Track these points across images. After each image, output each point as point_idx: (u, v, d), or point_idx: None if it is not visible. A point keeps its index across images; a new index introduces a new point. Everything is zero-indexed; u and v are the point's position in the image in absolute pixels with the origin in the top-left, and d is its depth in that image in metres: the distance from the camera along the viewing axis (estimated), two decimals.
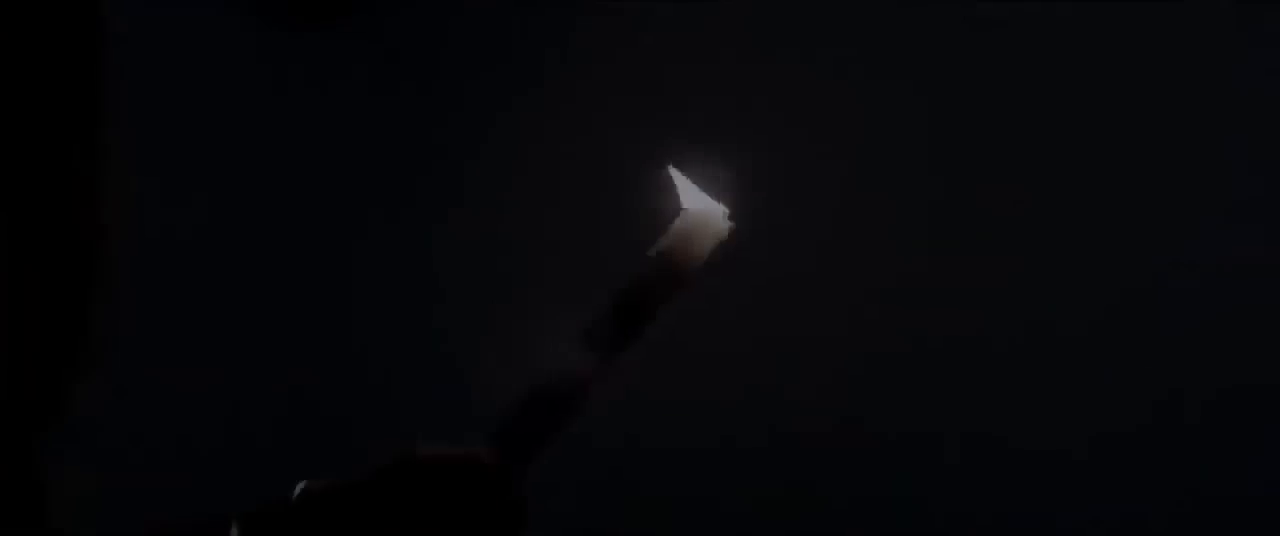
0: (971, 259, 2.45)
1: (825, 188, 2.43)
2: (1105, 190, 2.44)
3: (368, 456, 1.17)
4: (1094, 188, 2.44)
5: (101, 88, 1.01)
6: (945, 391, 2.44)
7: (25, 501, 1.04)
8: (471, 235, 2.49)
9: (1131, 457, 2.43)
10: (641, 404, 2.28)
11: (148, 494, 2.04)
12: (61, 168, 0.99)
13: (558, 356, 1.14)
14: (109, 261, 1.02)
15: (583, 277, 2.36)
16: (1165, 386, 2.42)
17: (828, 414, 2.45)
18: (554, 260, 2.43)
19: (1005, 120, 2.45)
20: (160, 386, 2.43)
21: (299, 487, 1.17)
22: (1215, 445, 2.42)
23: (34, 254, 0.99)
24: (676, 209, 1.16)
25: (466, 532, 1.13)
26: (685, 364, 2.38)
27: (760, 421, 2.45)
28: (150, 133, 2.39)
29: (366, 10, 2.49)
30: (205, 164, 2.50)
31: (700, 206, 1.16)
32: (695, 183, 1.17)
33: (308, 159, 2.51)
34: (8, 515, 1.02)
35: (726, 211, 1.17)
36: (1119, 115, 2.45)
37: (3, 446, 1.01)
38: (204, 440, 2.48)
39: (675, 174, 1.17)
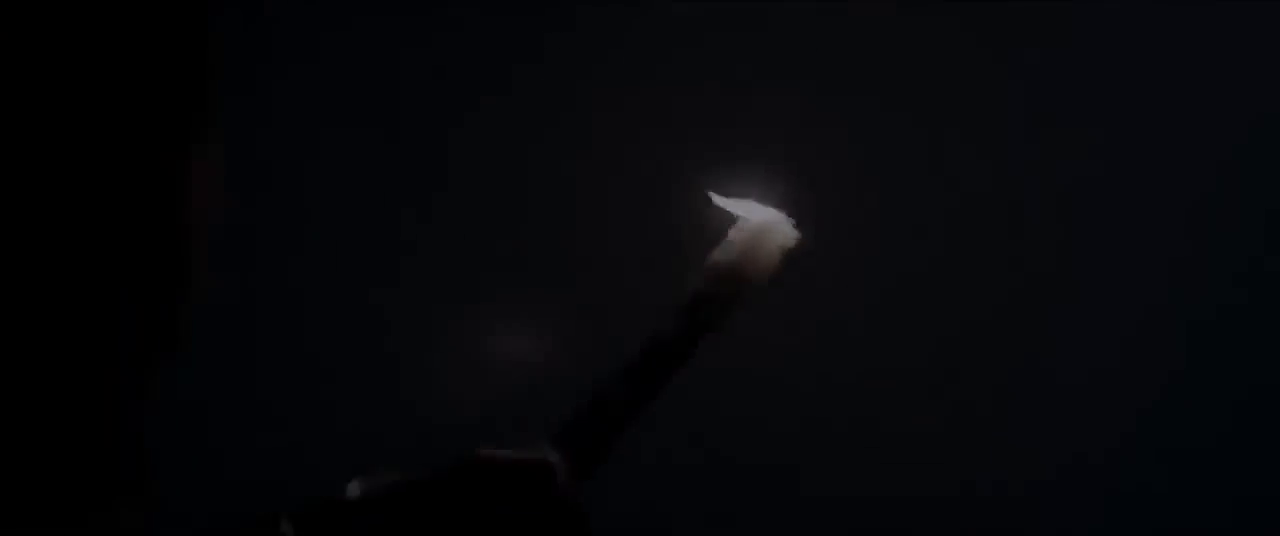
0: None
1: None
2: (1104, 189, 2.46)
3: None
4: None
5: (206, 83, 1.02)
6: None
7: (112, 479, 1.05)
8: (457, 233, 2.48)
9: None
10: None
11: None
12: (168, 161, 1.01)
13: (622, 365, 1.14)
14: (200, 253, 1.03)
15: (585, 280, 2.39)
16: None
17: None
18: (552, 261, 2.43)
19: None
20: None
21: (354, 486, 1.16)
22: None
23: (136, 243, 1.00)
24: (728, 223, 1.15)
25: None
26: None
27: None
28: None
29: None
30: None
31: (761, 216, 1.15)
32: (739, 196, 1.15)
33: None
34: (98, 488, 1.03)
35: (788, 219, 1.16)
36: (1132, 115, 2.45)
37: (92, 425, 1.02)
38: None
39: (720, 196, 1.16)
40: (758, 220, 1.15)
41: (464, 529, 1.11)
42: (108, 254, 1.00)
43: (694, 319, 1.14)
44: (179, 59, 1.00)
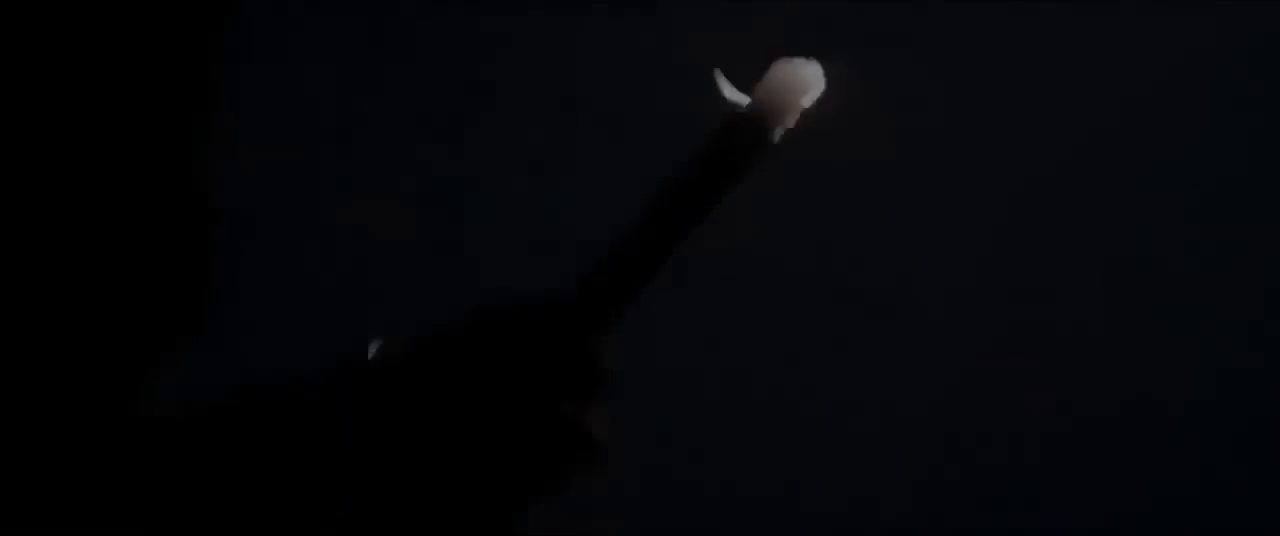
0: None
1: None
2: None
3: None
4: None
5: (222, 74, 1.03)
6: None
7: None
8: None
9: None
10: None
11: None
12: (185, 149, 1.02)
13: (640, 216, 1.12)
14: (216, 239, 1.04)
15: None
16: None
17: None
18: None
19: None
20: None
21: (374, 345, 1.13)
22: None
23: (155, 229, 1.02)
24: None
25: (550, 384, 1.09)
26: None
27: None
28: None
29: None
30: None
31: (791, 63, 1.14)
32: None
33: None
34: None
35: (820, 70, 1.14)
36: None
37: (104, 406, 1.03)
38: None
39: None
40: (781, 70, 1.14)
41: (482, 380, 1.09)
42: (124, 240, 1.01)
43: (711, 162, 1.12)
44: (187, 43, 1.01)
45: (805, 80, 1.13)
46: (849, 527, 2.42)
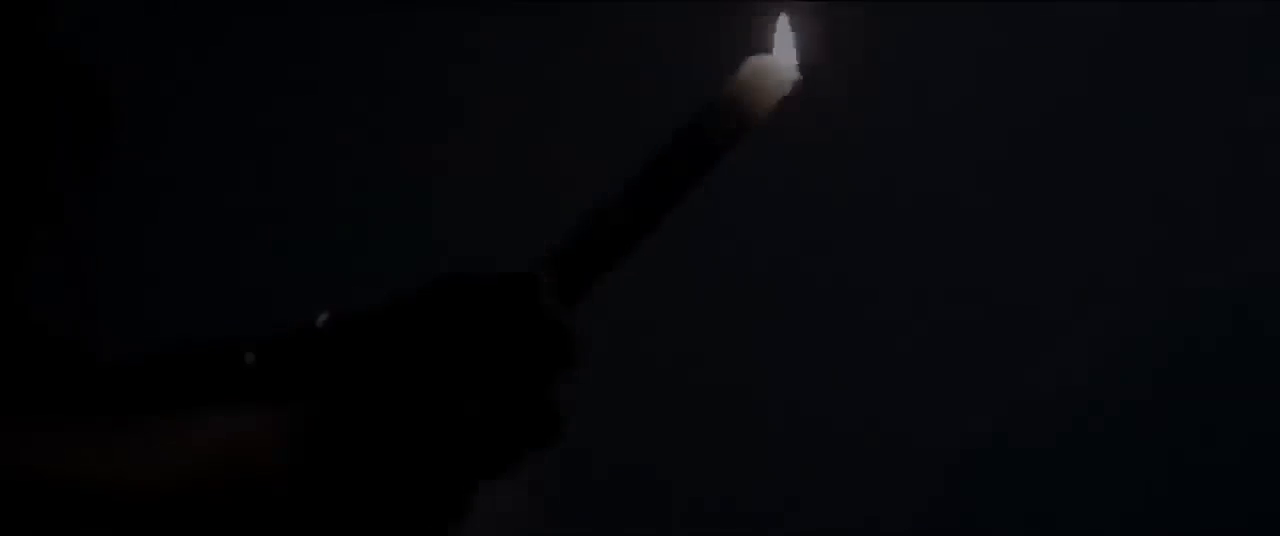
0: None
1: None
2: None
3: None
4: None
5: None
6: None
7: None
8: None
9: None
10: None
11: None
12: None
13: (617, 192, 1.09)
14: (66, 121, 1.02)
15: None
16: None
17: None
18: None
19: None
20: None
21: (323, 316, 1.09)
22: None
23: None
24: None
25: (513, 360, 1.05)
26: None
27: None
28: None
29: None
30: None
31: (770, 56, 1.13)
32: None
33: None
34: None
35: (795, 62, 1.13)
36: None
37: None
38: None
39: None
40: (761, 58, 1.13)
41: (442, 351, 1.05)
42: None
43: (692, 143, 1.11)
44: None
45: (787, 67, 1.13)
46: None
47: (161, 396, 1.07)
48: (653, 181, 1.10)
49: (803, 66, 1.12)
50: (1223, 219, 2.44)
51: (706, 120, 1.11)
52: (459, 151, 2.42)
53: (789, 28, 1.12)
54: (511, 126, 2.44)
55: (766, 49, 1.12)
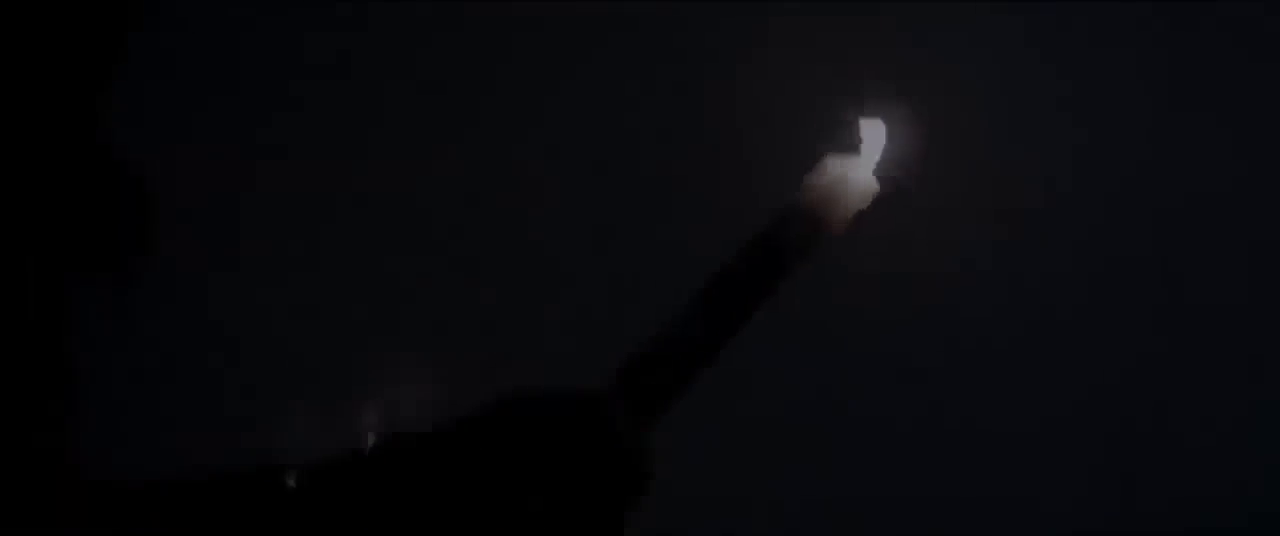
0: None
1: None
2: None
3: None
4: None
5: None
6: None
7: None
8: None
9: None
10: None
11: None
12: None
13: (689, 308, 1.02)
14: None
15: None
16: None
17: None
18: None
19: None
20: None
21: (371, 437, 1.02)
22: None
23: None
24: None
25: (581, 489, 0.98)
26: None
27: None
28: None
29: None
30: None
31: (845, 162, 1.06)
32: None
33: None
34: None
35: (876, 166, 1.06)
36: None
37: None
38: None
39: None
40: (839, 166, 1.06)
41: (504, 478, 0.97)
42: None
43: (764, 256, 1.04)
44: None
45: (859, 181, 1.06)
46: None
47: (199, 525, 1.00)
48: (727, 293, 1.03)
49: (892, 176, 1.05)
50: None
51: (782, 228, 1.04)
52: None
53: (881, 133, 1.05)
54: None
55: (849, 148, 1.06)
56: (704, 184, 2.22)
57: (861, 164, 1.05)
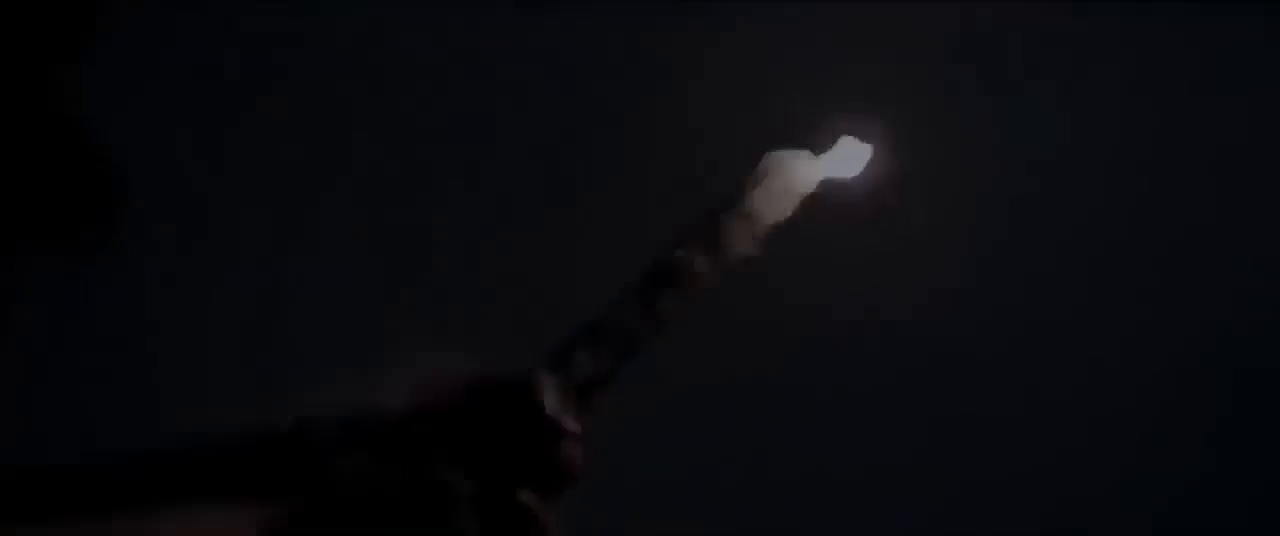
0: None
1: None
2: None
3: None
4: None
5: None
6: None
7: None
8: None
9: None
10: None
11: None
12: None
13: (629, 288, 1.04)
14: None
15: None
16: None
17: None
18: None
19: None
20: None
21: (304, 413, 1.04)
22: None
23: None
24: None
25: (509, 472, 1.00)
26: None
27: None
28: None
29: None
30: None
31: (787, 154, 1.08)
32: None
33: None
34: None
35: (814, 160, 1.08)
36: None
37: None
38: None
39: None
40: (777, 157, 1.08)
41: (444, 459, 1.00)
42: None
43: (699, 246, 1.05)
44: None
45: (800, 174, 1.08)
46: None
47: (140, 496, 1.02)
48: (660, 282, 1.05)
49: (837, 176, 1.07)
50: None
51: (716, 220, 1.06)
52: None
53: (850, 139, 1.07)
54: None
55: (797, 146, 1.08)
56: (660, 175, 2.25)
57: (803, 159, 1.07)
